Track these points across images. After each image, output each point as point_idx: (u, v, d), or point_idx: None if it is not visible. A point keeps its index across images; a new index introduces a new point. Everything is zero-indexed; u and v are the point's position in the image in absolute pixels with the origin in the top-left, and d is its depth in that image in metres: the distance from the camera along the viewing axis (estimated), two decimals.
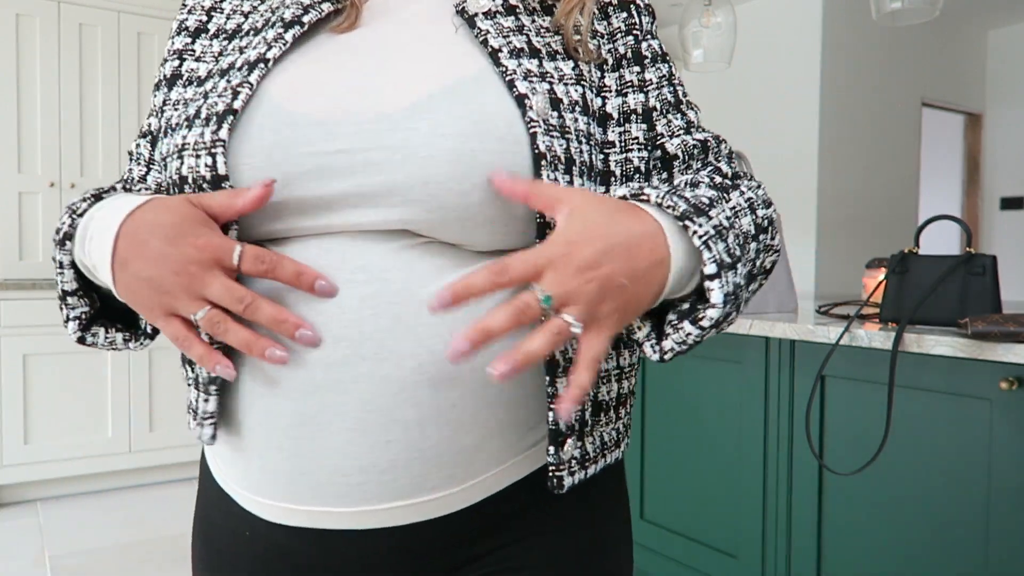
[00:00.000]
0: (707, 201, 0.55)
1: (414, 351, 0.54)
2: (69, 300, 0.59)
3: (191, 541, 0.69)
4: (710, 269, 0.52)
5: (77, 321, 0.60)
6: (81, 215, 0.58)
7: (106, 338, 0.62)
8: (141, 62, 3.42)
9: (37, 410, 3.13)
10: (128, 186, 0.66)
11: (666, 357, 0.56)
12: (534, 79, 0.58)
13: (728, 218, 0.56)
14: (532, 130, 0.55)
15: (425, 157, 0.53)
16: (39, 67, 3.22)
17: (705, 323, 0.53)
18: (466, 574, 0.60)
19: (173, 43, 0.66)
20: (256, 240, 0.56)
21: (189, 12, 0.67)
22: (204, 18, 0.66)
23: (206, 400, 0.58)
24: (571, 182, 0.57)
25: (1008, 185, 5.13)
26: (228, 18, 0.66)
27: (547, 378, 0.56)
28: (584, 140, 0.58)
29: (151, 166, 0.67)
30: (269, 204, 0.54)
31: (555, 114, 0.57)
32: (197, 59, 0.64)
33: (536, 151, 0.55)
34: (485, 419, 0.56)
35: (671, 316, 0.56)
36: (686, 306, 0.56)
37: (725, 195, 0.58)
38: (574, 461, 0.58)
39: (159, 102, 0.65)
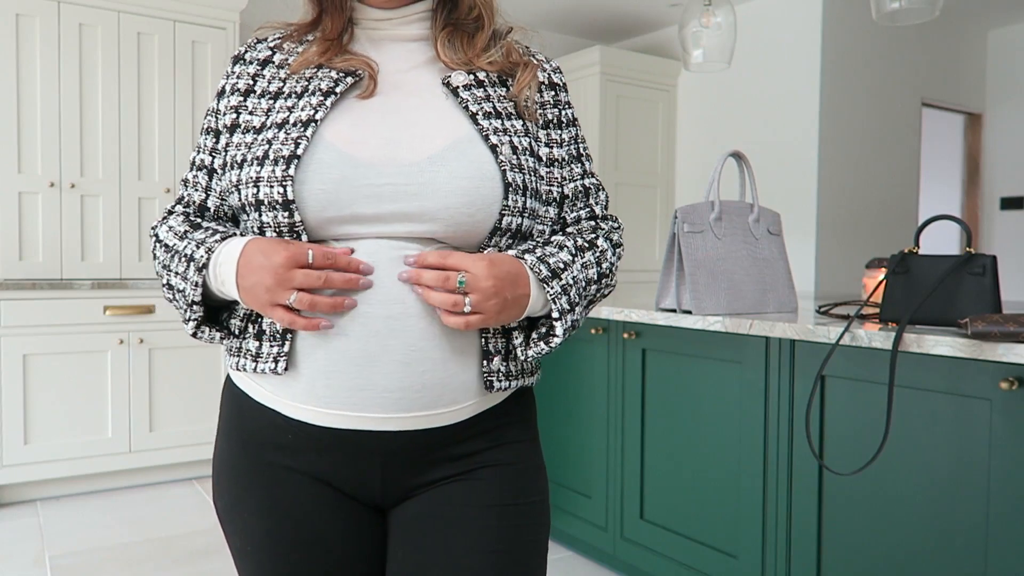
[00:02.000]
0: (562, 265, 0.87)
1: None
2: (194, 308, 0.85)
3: (214, 474, 0.94)
4: (555, 315, 0.85)
5: (195, 322, 0.86)
6: (210, 249, 0.85)
7: (209, 336, 0.88)
8: (141, 62, 3.42)
9: (37, 410, 3.13)
10: (190, 208, 0.93)
11: (529, 358, 0.88)
12: (500, 133, 0.87)
13: (574, 277, 0.88)
14: (502, 168, 0.84)
15: (446, 192, 0.82)
16: (39, 67, 3.21)
17: (553, 343, 0.86)
18: (457, 467, 0.89)
19: (229, 100, 0.91)
20: (333, 240, 0.83)
21: (238, 77, 0.92)
22: (251, 82, 0.91)
23: (281, 344, 0.84)
24: (526, 202, 0.86)
25: (1008, 185, 5.13)
26: (269, 83, 0.91)
27: (482, 337, 0.88)
28: (532, 174, 0.88)
29: (209, 192, 0.92)
30: (340, 215, 0.82)
31: (515, 157, 0.86)
32: (251, 113, 0.89)
33: (505, 181, 0.84)
34: (477, 362, 0.87)
35: (533, 335, 0.88)
36: (543, 330, 0.88)
37: (581, 255, 0.90)
38: (500, 373, 0.88)
39: (220, 144, 0.91)
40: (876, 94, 4.47)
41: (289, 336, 0.85)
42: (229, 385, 0.93)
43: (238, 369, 0.89)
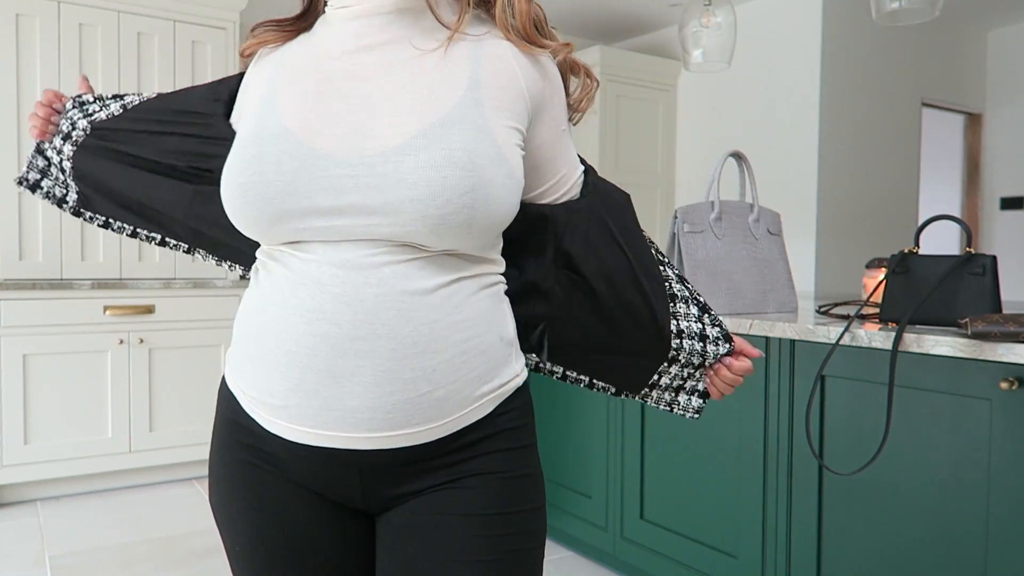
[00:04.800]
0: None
1: (410, 332, 0.79)
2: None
3: (209, 470, 0.94)
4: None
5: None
6: None
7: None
8: (141, 62, 3.42)
9: (37, 410, 3.13)
10: None
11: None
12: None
13: None
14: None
15: (411, 183, 0.76)
16: (39, 67, 3.21)
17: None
18: (440, 477, 0.86)
19: None
20: (288, 238, 0.81)
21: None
22: None
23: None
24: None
25: (1008, 185, 5.13)
26: None
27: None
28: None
29: None
30: (299, 206, 0.79)
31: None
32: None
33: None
34: (452, 379, 0.82)
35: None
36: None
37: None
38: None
39: None
40: (876, 94, 4.47)
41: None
42: (223, 386, 0.94)
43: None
